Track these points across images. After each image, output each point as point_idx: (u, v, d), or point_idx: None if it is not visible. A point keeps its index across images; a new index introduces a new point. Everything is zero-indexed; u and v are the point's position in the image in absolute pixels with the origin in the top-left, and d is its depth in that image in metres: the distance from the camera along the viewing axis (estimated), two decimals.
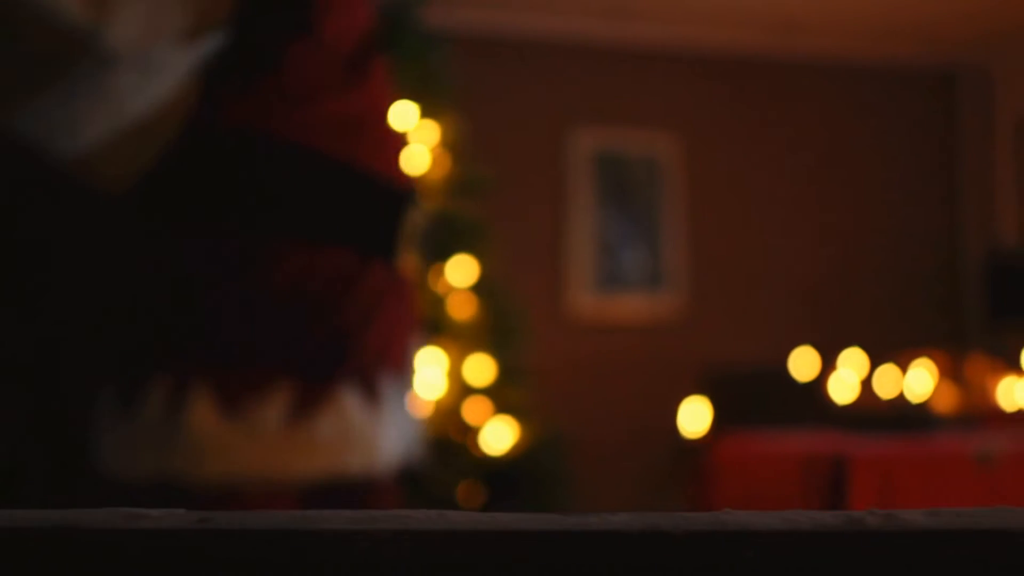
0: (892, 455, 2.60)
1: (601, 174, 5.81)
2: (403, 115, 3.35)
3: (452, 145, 3.39)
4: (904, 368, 4.58)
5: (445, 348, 3.17)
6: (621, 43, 5.80)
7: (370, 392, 1.55)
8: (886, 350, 4.85)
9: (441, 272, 3.26)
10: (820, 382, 4.38)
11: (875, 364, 4.62)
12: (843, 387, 4.39)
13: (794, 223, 6.09)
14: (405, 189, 1.70)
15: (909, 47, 6.14)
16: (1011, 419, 4.07)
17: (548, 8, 5.64)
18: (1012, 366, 4.60)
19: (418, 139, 3.32)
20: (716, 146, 6.00)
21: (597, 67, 5.84)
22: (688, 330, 5.80)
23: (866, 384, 4.48)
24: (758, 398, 4.40)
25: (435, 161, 3.37)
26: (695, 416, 4.17)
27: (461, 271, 3.28)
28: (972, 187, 6.33)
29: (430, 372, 3.10)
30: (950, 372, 4.52)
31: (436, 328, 3.13)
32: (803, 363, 4.37)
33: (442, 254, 3.22)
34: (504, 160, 5.63)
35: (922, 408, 3.69)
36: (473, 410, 3.20)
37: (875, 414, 3.51)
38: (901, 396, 4.08)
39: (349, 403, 1.52)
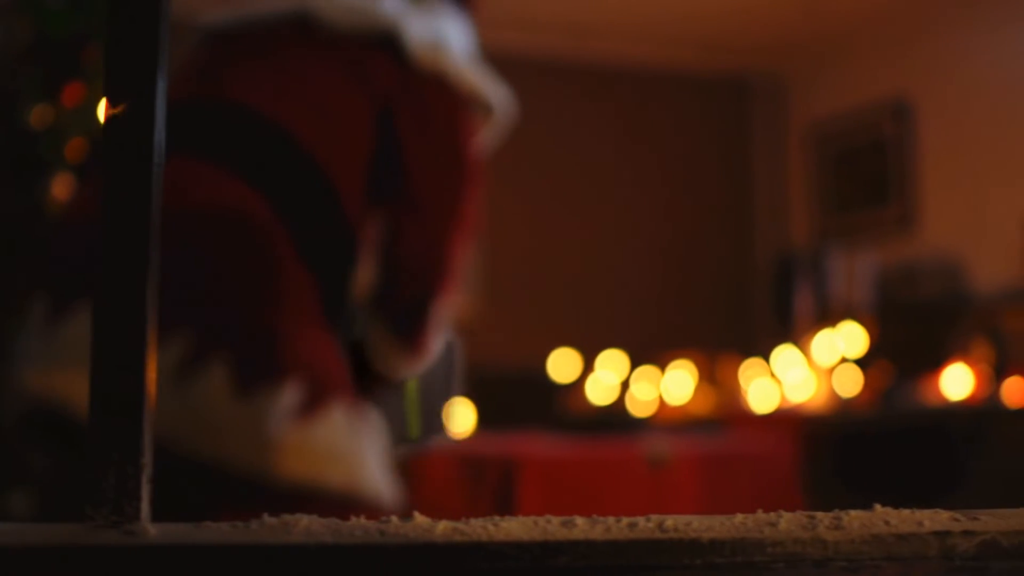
0: (562, 459, 2.60)
1: None
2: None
3: None
4: (663, 370, 4.63)
5: None
6: None
7: (354, 411, 1.57)
8: (666, 351, 4.90)
9: None
10: (579, 384, 4.41)
11: (636, 366, 4.66)
12: (599, 388, 4.42)
13: (590, 225, 6.12)
14: None
15: (701, 54, 6.23)
16: (758, 421, 4.13)
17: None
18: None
19: None
20: (511, 149, 5.99)
21: None
22: (482, 333, 5.78)
23: (625, 385, 4.52)
24: (517, 401, 4.40)
25: None
26: (458, 418, 4.14)
27: None
28: (764, 191, 6.46)
29: None
30: (706, 374, 4.58)
31: None
32: (564, 365, 4.38)
33: None
34: None
35: (622, 411, 3.72)
36: None
37: (582, 418, 3.53)
38: (619, 399, 4.12)
39: (339, 417, 1.52)
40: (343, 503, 1.52)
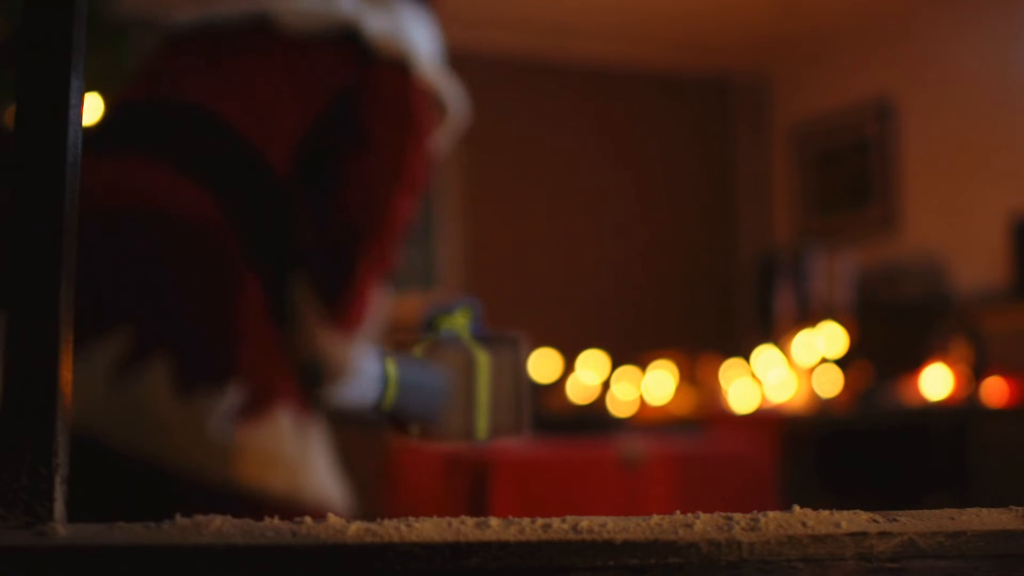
0: (535, 460, 2.60)
1: None
2: (88, 108, 3.23)
3: None
4: (644, 370, 4.64)
5: None
6: None
7: (302, 416, 1.54)
8: (646, 351, 4.91)
9: None
10: (560, 383, 4.41)
11: (617, 366, 4.66)
12: (580, 388, 4.42)
13: (571, 225, 6.13)
14: None
15: (684, 54, 6.24)
16: (738, 421, 4.14)
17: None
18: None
19: None
20: (493, 147, 6.00)
21: None
22: None
23: (606, 385, 4.53)
24: None
25: None
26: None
27: None
28: (746, 191, 6.47)
29: None
30: (687, 374, 4.59)
31: None
32: (544, 365, 4.38)
33: None
34: None
35: (602, 411, 3.72)
36: None
37: (562, 417, 3.53)
38: (599, 399, 4.12)
39: (285, 421, 1.50)
40: (286, 509, 1.50)
